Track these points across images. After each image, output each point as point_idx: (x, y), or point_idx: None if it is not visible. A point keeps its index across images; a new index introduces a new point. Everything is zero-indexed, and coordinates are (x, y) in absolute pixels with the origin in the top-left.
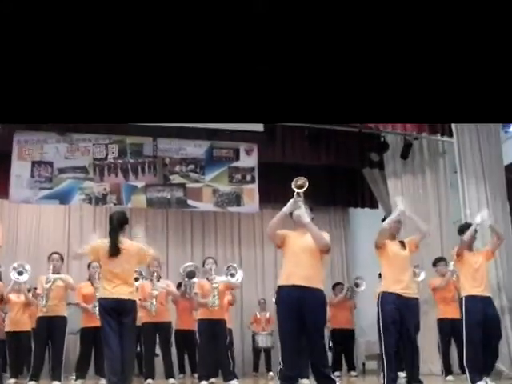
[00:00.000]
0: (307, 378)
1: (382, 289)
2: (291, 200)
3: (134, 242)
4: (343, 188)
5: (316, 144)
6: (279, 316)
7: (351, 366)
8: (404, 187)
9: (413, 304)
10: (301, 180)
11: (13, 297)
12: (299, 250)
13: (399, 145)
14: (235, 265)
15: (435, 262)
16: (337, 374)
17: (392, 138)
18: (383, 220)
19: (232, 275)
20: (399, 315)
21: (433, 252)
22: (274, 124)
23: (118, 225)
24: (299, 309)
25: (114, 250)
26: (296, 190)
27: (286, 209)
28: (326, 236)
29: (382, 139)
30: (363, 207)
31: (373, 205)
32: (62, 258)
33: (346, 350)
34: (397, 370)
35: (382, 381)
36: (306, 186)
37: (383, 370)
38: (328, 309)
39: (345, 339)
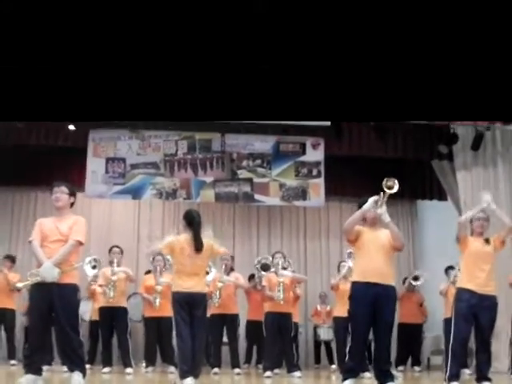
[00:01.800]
0: (368, 371)
1: (458, 284)
2: (372, 198)
3: (206, 240)
4: (411, 180)
5: (383, 137)
6: (352, 310)
7: (416, 361)
8: (474, 180)
9: (489, 302)
10: (391, 181)
11: (98, 289)
12: (373, 246)
13: (470, 136)
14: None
15: None
16: (400, 368)
17: (462, 129)
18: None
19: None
20: (473, 312)
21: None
22: None
23: (199, 223)
24: (372, 304)
25: (199, 246)
26: (386, 191)
27: (367, 206)
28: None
29: (452, 131)
30: (431, 199)
31: (441, 197)
32: (121, 251)
33: (413, 344)
34: (460, 366)
35: (444, 376)
36: (396, 189)
37: (446, 365)
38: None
39: (411, 333)
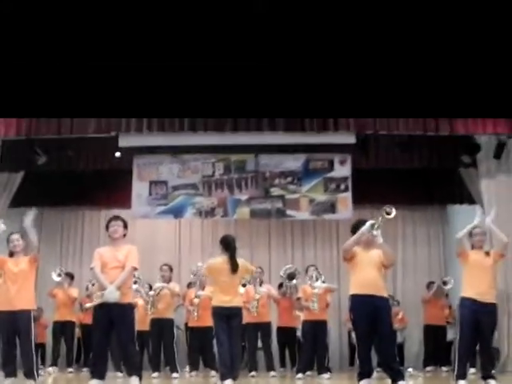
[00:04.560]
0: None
1: (461, 294)
2: (369, 222)
3: (241, 261)
4: (440, 186)
5: (408, 150)
6: (354, 320)
7: (444, 362)
8: (497, 187)
9: (489, 308)
10: (389, 208)
11: (138, 300)
12: (367, 264)
13: (493, 144)
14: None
15: None
16: (428, 368)
17: (485, 138)
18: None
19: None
20: (476, 319)
21: None
22: (366, 134)
23: (235, 247)
24: (371, 314)
25: (235, 267)
26: (385, 216)
27: (365, 229)
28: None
29: (474, 140)
30: (461, 203)
31: (471, 201)
32: (170, 269)
33: (438, 345)
34: (466, 366)
35: (453, 374)
36: (393, 214)
37: (454, 366)
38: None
39: (436, 335)
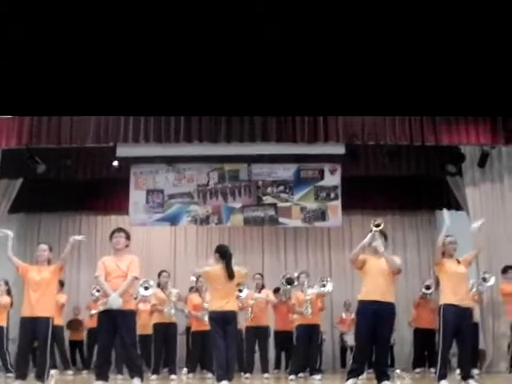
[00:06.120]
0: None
1: (442, 301)
2: (369, 234)
3: (236, 268)
4: (428, 192)
5: (396, 159)
6: (357, 323)
7: (432, 363)
8: (482, 195)
9: (469, 313)
10: (378, 221)
11: (141, 306)
12: (376, 271)
13: (477, 153)
14: (328, 279)
15: (506, 269)
16: (417, 370)
17: (470, 149)
18: None
19: (323, 286)
20: (457, 323)
21: (506, 259)
22: (355, 145)
23: (230, 255)
24: (373, 318)
25: (232, 275)
26: (374, 229)
27: (365, 241)
28: (397, 260)
29: (459, 151)
30: (449, 209)
31: (459, 207)
32: (169, 275)
33: (427, 348)
34: (447, 367)
35: (435, 375)
36: (382, 226)
37: (436, 367)
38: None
39: (427, 338)
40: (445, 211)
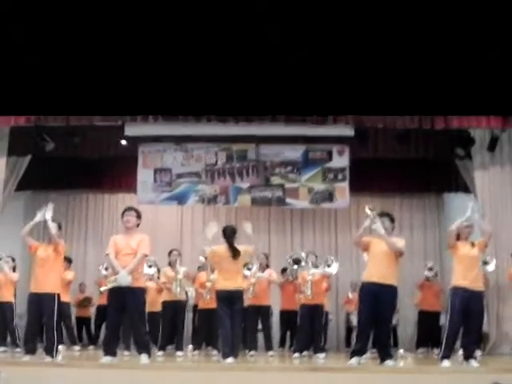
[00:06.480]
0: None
1: (453, 283)
2: (368, 218)
3: (240, 246)
4: (436, 175)
5: (405, 142)
6: (359, 304)
7: (435, 344)
8: (491, 178)
9: (479, 296)
10: (371, 205)
11: (149, 284)
12: (379, 253)
13: (487, 137)
14: (332, 257)
15: None
16: (420, 350)
17: (479, 132)
18: None
19: (329, 266)
20: (466, 306)
21: None
22: (364, 127)
23: (233, 236)
24: (375, 300)
25: (235, 254)
26: (368, 213)
27: (365, 224)
28: (399, 243)
29: (469, 134)
30: (457, 192)
31: (467, 189)
32: (179, 254)
33: (431, 330)
34: (452, 348)
35: (438, 355)
36: (376, 210)
37: (441, 347)
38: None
39: (431, 321)
40: (471, 200)
